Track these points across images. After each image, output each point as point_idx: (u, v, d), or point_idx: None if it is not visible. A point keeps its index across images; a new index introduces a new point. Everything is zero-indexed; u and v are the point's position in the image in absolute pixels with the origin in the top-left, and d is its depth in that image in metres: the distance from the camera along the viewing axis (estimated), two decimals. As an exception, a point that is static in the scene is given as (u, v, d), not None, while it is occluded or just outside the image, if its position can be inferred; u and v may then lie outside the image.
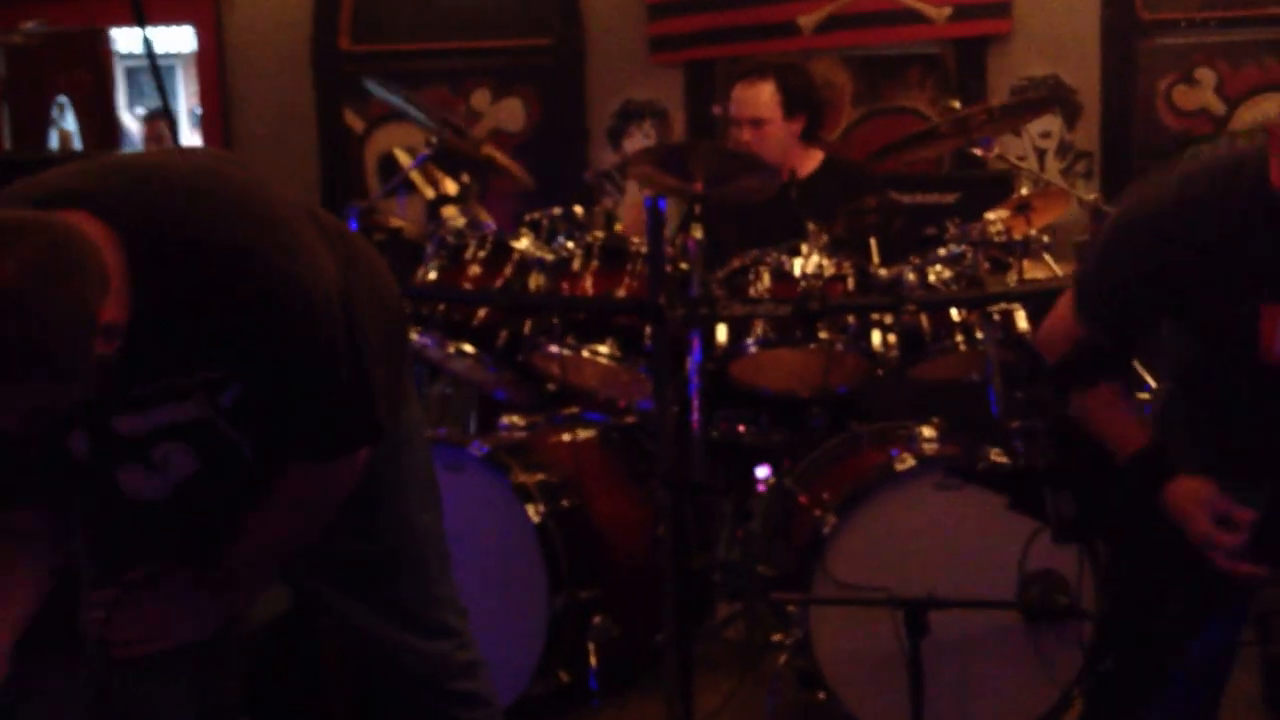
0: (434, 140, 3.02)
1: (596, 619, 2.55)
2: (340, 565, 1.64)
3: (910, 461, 2.41)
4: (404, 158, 3.52)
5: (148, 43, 2.09)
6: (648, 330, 2.55)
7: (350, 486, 1.53)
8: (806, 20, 4.66)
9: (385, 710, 1.72)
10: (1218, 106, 4.46)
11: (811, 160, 3.15)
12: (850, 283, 2.60)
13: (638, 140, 4.87)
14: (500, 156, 3.22)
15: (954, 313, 2.59)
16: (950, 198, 3.69)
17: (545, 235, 2.74)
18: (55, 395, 1.28)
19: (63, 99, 4.79)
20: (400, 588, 1.67)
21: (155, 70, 2.11)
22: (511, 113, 4.97)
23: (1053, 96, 4.39)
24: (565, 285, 2.65)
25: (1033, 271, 2.62)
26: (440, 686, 1.71)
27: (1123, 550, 1.86)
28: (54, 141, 4.77)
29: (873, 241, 2.64)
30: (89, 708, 1.49)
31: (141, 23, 2.06)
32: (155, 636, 1.51)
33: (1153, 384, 2.46)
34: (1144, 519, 1.69)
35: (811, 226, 2.62)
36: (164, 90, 2.16)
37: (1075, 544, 1.92)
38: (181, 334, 1.34)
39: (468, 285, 2.71)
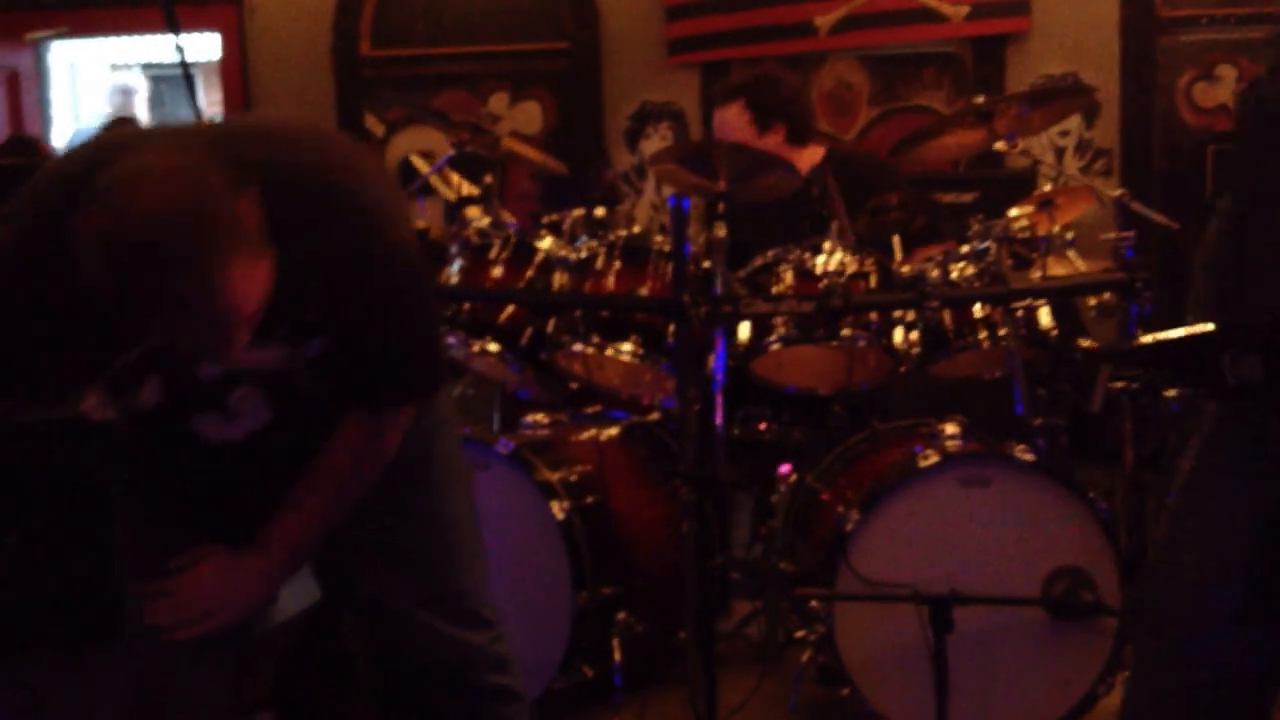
0: (457, 142, 3.04)
1: (620, 615, 2.56)
2: (372, 548, 1.67)
3: (933, 458, 2.41)
4: (421, 164, 3.54)
5: (180, 50, 2.11)
6: (670, 328, 2.56)
7: (390, 453, 1.59)
8: (823, 20, 4.66)
9: (417, 704, 1.73)
10: (1238, 103, 4.45)
11: (809, 158, 3.17)
12: (872, 280, 2.61)
13: (654, 142, 4.88)
14: (521, 147, 3.23)
15: (977, 309, 2.59)
16: (968, 197, 3.69)
17: (566, 237, 2.76)
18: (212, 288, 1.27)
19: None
20: (430, 571, 1.69)
21: (187, 78, 2.14)
22: (529, 115, 4.99)
23: (1078, 88, 4.38)
24: (588, 284, 2.66)
25: (1056, 268, 2.61)
26: (474, 680, 1.72)
27: None
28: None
29: (895, 239, 2.64)
30: (131, 698, 1.51)
31: (176, 30, 2.08)
32: (201, 618, 1.53)
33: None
34: None
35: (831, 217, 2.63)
36: (195, 98, 2.18)
37: (1252, 412, 1.53)
38: (302, 278, 1.39)
39: (491, 285, 2.73)
